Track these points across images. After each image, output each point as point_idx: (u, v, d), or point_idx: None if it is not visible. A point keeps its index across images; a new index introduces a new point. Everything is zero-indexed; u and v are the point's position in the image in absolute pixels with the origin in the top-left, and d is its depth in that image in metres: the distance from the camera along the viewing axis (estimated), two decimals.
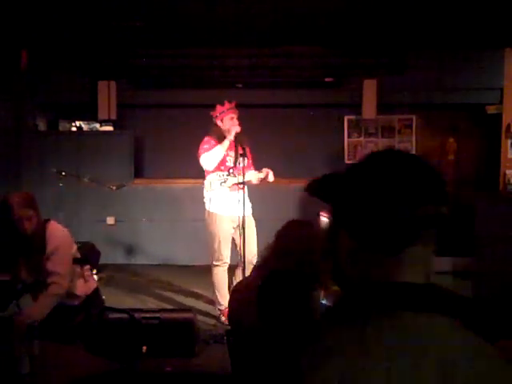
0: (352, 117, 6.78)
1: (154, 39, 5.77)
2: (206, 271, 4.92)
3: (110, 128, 6.61)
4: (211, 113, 4.57)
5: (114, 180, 5.80)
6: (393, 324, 0.88)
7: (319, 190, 1.04)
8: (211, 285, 4.64)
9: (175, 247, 6.45)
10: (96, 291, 3.37)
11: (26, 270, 3.04)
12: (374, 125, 6.80)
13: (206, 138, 4.56)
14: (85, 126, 6.66)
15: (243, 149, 4.36)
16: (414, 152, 6.80)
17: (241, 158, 4.41)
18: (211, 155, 4.41)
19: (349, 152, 6.87)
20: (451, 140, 6.87)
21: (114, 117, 6.39)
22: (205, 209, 4.60)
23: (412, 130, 6.81)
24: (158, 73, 6.48)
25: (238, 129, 4.41)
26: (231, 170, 4.45)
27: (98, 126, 6.63)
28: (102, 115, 6.36)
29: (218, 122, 4.51)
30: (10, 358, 2.19)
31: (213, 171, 4.50)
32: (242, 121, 4.57)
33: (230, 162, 4.49)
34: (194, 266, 5.92)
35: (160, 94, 6.69)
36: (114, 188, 5.68)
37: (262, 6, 4.55)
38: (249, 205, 4.55)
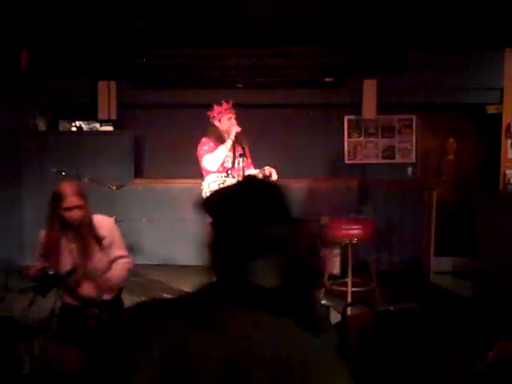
0: (352, 117, 6.77)
1: (154, 39, 5.77)
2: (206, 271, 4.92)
3: (110, 128, 6.61)
4: (208, 113, 4.57)
5: (114, 180, 5.80)
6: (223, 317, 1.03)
7: (202, 207, 1.22)
8: None
9: (175, 247, 6.45)
10: (121, 289, 3.39)
11: (71, 258, 3.07)
12: (374, 125, 6.80)
13: (204, 139, 4.55)
14: (85, 126, 6.65)
15: (243, 148, 4.35)
16: (414, 152, 6.80)
17: (240, 159, 4.41)
18: (215, 156, 4.40)
19: (349, 152, 6.87)
20: (451, 140, 6.86)
21: (114, 117, 6.39)
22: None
23: (412, 130, 6.81)
24: (157, 73, 6.48)
25: (238, 129, 4.41)
26: (229, 172, 4.45)
27: (98, 125, 6.63)
28: (101, 115, 6.36)
29: (216, 123, 4.50)
30: (10, 358, 2.19)
31: (208, 173, 4.51)
32: (242, 121, 4.57)
33: (228, 163, 4.49)
34: (193, 266, 5.91)
35: (160, 93, 6.68)
36: (114, 188, 5.68)
37: (261, 6, 4.55)
38: None
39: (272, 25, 5.17)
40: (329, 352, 1.07)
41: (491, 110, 6.21)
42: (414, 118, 6.78)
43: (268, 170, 4.51)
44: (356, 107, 6.43)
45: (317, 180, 6.65)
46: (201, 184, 4.70)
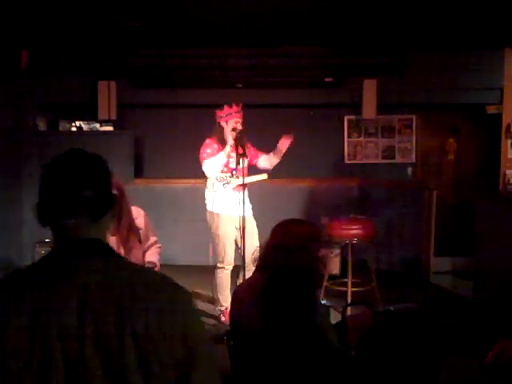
0: (352, 117, 6.77)
1: (154, 39, 5.77)
2: (206, 271, 4.93)
3: (110, 128, 6.61)
4: (217, 112, 4.54)
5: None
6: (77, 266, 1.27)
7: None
8: (214, 285, 4.64)
9: (175, 247, 6.44)
10: None
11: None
12: (374, 125, 6.80)
13: (208, 141, 4.54)
14: (85, 126, 6.65)
15: (243, 149, 4.35)
16: (413, 152, 6.80)
17: (242, 159, 4.41)
18: (214, 163, 4.39)
19: (349, 152, 6.87)
20: (451, 140, 6.87)
21: (114, 117, 6.39)
22: (206, 210, 4.59)
23: (412, 130, 6.81)
24: (157, 73, 6.48)
25: (236, 132, 4.41)
26: (234, 172, 4.47)
27: (98, 126, 6.63)
28: (101, 115, 6.36)
29: (223, 123, 4.49)
30: None
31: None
32: (243, 121, 4.57)
33: (232, 164, 4.50)
34: (194, 266, 5.92)
35: (160, 93, 6.69)
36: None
37: (261, 6, 4.54)
38: (249, 206, 4.56)
39: (272, 25, 5.17)
40: (167, 279, 1.34)
41: (491, 109, 6.21)
42: (413, 118, 6.78)
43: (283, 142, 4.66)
44: (356, 107, 6.43)
45: (317, 180, 6.65)
46: (202, 183, 4.71)
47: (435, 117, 6.78)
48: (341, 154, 6.86)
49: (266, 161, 4.73)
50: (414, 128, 6.80)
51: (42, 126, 6.81)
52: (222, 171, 4.50)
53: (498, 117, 5.89)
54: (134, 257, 3.07)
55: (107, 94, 6.28)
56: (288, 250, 2.37)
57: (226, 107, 4.51)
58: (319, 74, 6.42)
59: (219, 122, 4.50)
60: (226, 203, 4.50)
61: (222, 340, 3.31)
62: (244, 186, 4.31)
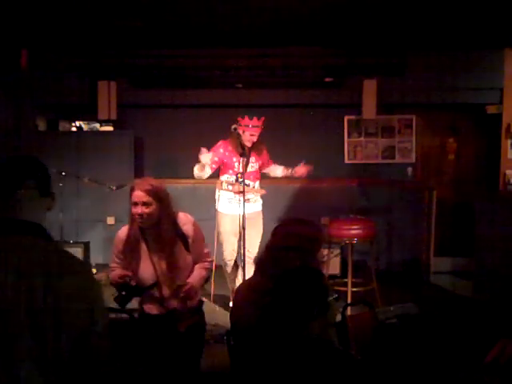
0: (352, 117, 6.77)
1: (154, 39, 5.77)
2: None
3: (110, 128, 6.61)
4: (239, 118, 4.60)
5: (114, 180, 5.81)
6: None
7: None
8: (220, 284, 4.81)
9: None
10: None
11: (151, 264, 2.91)
12: (374, 125, 6.80)
13: (220, 143, 4.69)
14: (85, 126, 6.65)
15: (243, 149, 4.42)
16: (413, 152, 6.80)
17: (252, 164, 4.63)
18: (199, 171, 4.56)
19: (349, 152, 6.87)
20: (451, 140, 6.87)
21: (114, 117, 6.39)
22: (215, 208, 4.74)
23: (412, 130, 6.81)
24: (157, 73, 6.47)
25: (252, 140, 4.59)
26: (238, 175, 4.52)
27: (98, 126, 6.63)
28: (101, 115, 6.36)
29: (240, 130, 4.53)
30: None
31: (222, 173, 4.66)
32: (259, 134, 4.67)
33: (237, 168, 4.58)
34: None
35: (160, 93, 6.68)
36: (114, 188, 5.69)
37: (261, 6, 4.55)
38: (259, 201, 4.73)
39: (272, 25, 5.17)
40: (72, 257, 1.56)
41: (491, 110, 6.21)
42: (413, 118, 6.78)
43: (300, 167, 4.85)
44: (356, 107, 6.43)
45: (317, 180, 6.65)
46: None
47: (435, 117, 6.78)
48: (341, 154, 6.85)
49: (274, 171, 4.96)
50: (413, 128, 6.80)
51: (41, 126, 6.80)
52: (228, 173, 4.62)
53: (498, 117, 5.90)
54: (179, 270, 2.90)
55: (107, 94, 6.28)
56: (289, 250, 2.38)
57: (246, 117, 4.56)
58: (319, 74, 6.41)
59: (236, 128, 4.53)
60: (228, 202, 4.65)
61: (222, 340, 3.30)
62: (243, 193, 4.34)
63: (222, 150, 4.63)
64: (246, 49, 6.06)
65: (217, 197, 4.73)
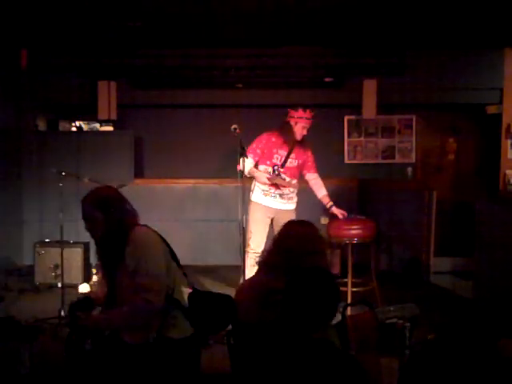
0: (352, 117, 6.77)
1: (154, 39, 5.77)
2: (206, 271, 4.94)
3: (110, 128, 6.61)
4: (290, 111, 4.64)
5: (114, 180, 5.79)
6: None
7: None
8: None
9: (175, 247, 6.42)
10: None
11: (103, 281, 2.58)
12: (374, 125, 6.80)
13: (265, 135, 4.64)
14: (85, 126, 6.65)
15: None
16: (414, 152, 6.80)
17: (291, 160, 4.61)
18: (248, 166, 4.46)
19: (349, 152, 6.87)
20: (451, 140, 6.87)
21: (114, 117, 6.39)
22: (249, 199, 4.70)
23: (412, 130, 6.81)
24: (157, 73, 6.48)
25: (304, 133, 4.59)
26: (275, 167, 4.52)
27: (98, 126, 6.63)
28: (101, 115, 6.36)
29: (292, 122, 4.58)
30: (10, 358, 2.19)
31: (261, 163, 4.65)
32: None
33: (276, 160, 4.59)
34: (194, 266, 5.91)
35: (160, 93, 6.68)
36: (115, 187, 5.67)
37: (262, 6, 4.55)
38: (294, 198, 4.74)
39: (272, 25, 5.17)
40: None
41: (491, 110, 6.21)
42: (413, 117, 6.78)
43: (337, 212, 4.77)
44: (356, 107, 6.43)
45: None
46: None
47: (435, 117, 6.78)
48: (341, 154, 6.85)
49: (311, 180, 4.89)
50: (413, 128, 6.80)
51: (42, 126, 6.80)
52: (266, 164, 4.61)
53: (498, 117, 5.89)
54: (119, 294, 2.46)
55: (107, 94, 6.28)
56: (289, 251, 2.38)
57: (300, 109, 4.60)
58: (319, 74, 6.42)
59: (289, 121, 4.58)
60: (263, 194, 4.62)
61: (222, 340, 3.30)
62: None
63: (264, 141, 4.62)
64: (246, 49, 6.07)
65: (252, 187, 4.68)
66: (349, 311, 3.78)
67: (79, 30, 5.31)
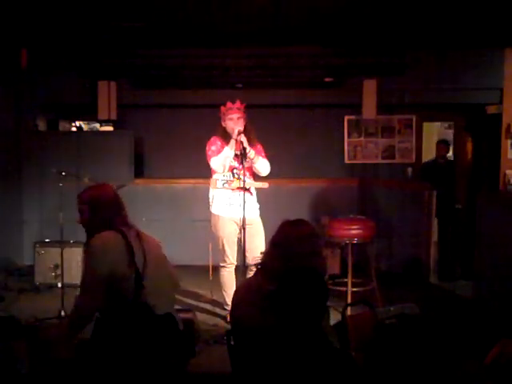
0: (352, 117, 6.77)
1: (154, 39, 5.76)
2: (206, 271, 4.93)
3: (110, 128, 6.62)
4: (221, 108, 4.54)
5: (114, 180, 5.78)
6: None
7: None
8: (219, 285, 4.64)
9: (175, 247, 6.42)
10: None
11: None
12: (374, 125, 6.80)
13: (213, 138, 4.55)
14: (85, 126, 6.66)
15: (243, 148, 4.31)
16: (413, 152, 6.80)
17: (243, 159, 4.33)
18: (220, 158, 4.37)
19: (349, 152, 6.87)
20: (451, 140, 6.87)
21: (114, 117, 6.39)
22: (210, 210, 4.57)
23: (412, 130, 6.81)
24: (157, 73, 6.47)
25: (238, 128, 4.37)
26: (235, 171, 4.44)
27: (98, 126, 6.63)
28: (102, 115, 6.36)
29: (223, 123, 4.50)
30: (10, 358, 2.19)
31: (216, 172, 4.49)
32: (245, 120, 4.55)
33: (234, 162, 4.46)
34: (194, 266, 5.91)
35: (160, 93, 6.69)
36: (114, 188, 5.67)
37: (262, 6, 4.54)
38: (256, 206, 4.54)
39: (272, 25, 5.17)
40: None
41: (491, 110, 6.21)
42: (413, 118, 6.78)
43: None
44: (356, 107, 6.43)
45: (317, 180, 6.65)
46: (204, 183, 4.71)
47: (435, 117, 6.78)
48: (341, 154, 6.86)
49: (251, 183, 4.53)
50: (413, 128, 6.80)
51: (42, 126, 6.81)
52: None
53: (498, 117, 5.89)
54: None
55: (107, 94, 6.28)
56: (288, 251, 2.37)
57: (228, 103, 4.50)
58: (319, 74, 6.41)
59: (220, 120, 4.50)
60: (226, 204, 4.44)
61: (222, 340, 3.30)
62: (244, 189, 4.18)
63: (219, 143, 4.46)
64: (246, 49, 6.06)
65: (211, 197, 4.49)
66: (349, 311, 3.79)
67: (79, 29, 5.31)
